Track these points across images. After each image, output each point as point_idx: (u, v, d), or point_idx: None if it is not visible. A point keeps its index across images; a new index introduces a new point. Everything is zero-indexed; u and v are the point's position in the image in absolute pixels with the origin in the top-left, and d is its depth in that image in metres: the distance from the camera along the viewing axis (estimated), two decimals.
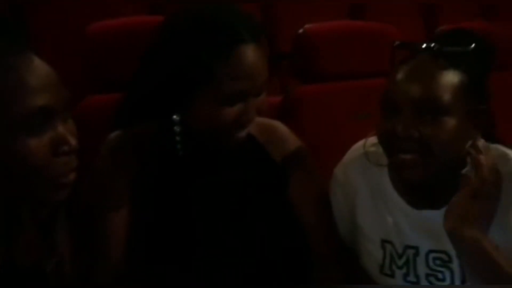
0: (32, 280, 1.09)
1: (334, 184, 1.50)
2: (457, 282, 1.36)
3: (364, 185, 1.45)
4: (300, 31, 1.98)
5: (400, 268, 1.41)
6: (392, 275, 1.43)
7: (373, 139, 1.42)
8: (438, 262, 1.38)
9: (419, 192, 1.37)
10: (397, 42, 1.36)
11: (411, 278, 1.41)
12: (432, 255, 1.39)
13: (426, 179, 1.30)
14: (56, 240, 1.15)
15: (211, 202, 1.36)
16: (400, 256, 1.41)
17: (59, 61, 1.25)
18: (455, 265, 1.36)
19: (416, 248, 1.40)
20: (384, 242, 1.43)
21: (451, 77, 1.28)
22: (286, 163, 1.44)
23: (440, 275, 1.38)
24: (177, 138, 1.34)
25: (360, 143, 1.47)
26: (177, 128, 1.34)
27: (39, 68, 1.02)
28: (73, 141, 1.04)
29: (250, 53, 1.26)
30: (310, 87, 2.01)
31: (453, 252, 1.32)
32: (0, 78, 0.99)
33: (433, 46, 1.29)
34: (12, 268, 1.07)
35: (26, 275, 1.08)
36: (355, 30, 2.15)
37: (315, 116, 1.98)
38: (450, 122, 1.26)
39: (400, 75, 1.30)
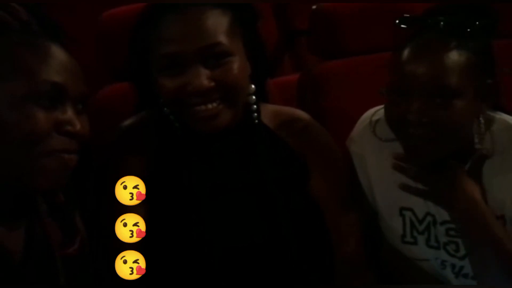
0: (55, 263, 1.10)
1: (351, 157, 1.47)
2: None
3: (376, 154, 1.42)
4: (315, 6, 1.93)
5: (421, 233, 1.41)
6: (414, 242, 1.42)
7: (381, 112, 1.38)
8: (452, 232, 1.37)
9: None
10: (401, 17, 1.32)
11: (432, 243, 1.40)
12: (446, 225, 1.37)
13: (437, 160, 1.29)
14: (76, 223, 1.17)
15: (214, 191, 1.32)
16: (420, 222, 1.40)
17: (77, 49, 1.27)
18: None
19: (433, 217, 1.39)
20: (403, 209, 1.41)
21: (460, 57, 1.25)
22: (307, 155, 1.38)
23: (454, 246, 1.38)
24: (171, 117, 1.33)
25: (369, 113, 1.45)
26: (167, 110, 1.33)
27: (62, 54, 1.09)
28: (78, 126, 1.06)
29: (182, 17, 1.25)
30: (334, 62, 1.96)
31: None
32: (25, 54, 1.05)
33: (439, 22, 1.26)
34: (36, 251, 1.09)
35: (49, 258, 1.10)
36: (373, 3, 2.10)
37: (340, 92, 1.93)
38: (461, 103, 1.25)
39: (408, 58, 1.28)
